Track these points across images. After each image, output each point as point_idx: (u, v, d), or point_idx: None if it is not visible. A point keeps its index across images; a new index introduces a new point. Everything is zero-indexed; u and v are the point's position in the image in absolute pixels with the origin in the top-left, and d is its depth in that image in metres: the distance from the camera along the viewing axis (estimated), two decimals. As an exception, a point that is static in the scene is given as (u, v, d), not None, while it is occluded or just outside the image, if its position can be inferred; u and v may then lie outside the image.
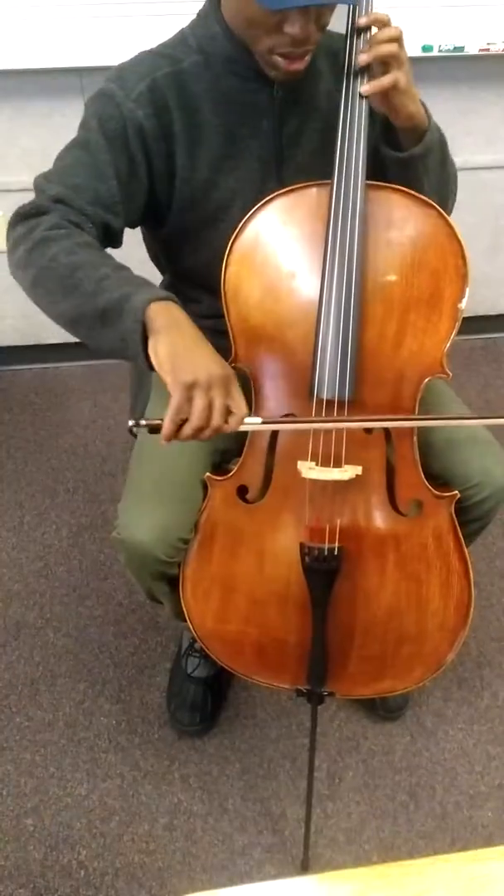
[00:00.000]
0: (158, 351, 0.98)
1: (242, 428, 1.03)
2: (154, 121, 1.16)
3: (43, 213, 1.11)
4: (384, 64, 1.08)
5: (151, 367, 1.01)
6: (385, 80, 1.08)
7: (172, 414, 0.98)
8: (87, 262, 1.06)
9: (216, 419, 0.99)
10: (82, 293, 1.04)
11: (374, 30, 1.10)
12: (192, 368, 0.97)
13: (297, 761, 1.55)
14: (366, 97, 1.11)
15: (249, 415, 1.04)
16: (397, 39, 1.07)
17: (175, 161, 1.20)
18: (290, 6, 1.02)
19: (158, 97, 1.15)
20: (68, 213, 1.11)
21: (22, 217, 1.13)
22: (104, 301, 1.02)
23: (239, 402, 1.02)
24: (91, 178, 1.14)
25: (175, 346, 0.99)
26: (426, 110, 1.17)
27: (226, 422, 1.00)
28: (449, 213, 1.29)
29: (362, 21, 1.10)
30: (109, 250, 1.17)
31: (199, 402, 0.97)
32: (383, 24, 1.09)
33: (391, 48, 1.07)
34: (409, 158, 1.17)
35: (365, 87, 1.09)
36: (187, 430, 0.99)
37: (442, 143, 1.22)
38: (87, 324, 1.05)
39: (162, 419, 0.99)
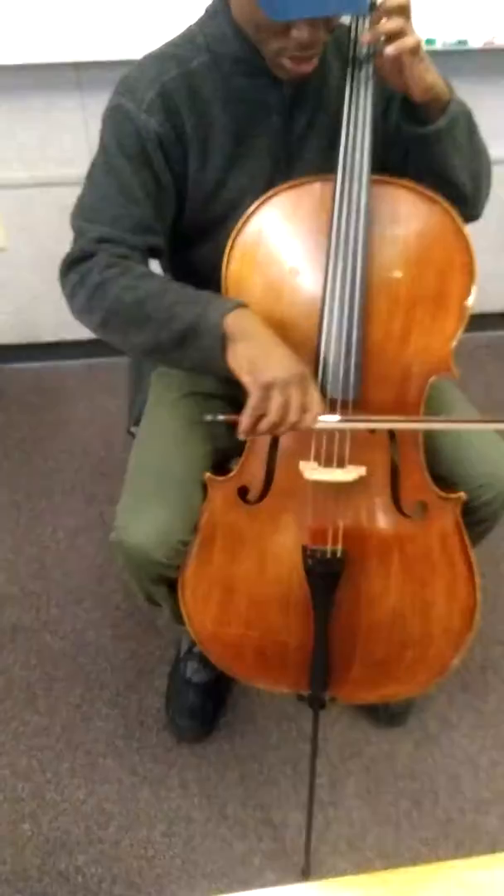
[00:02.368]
0: (238, 357, 1.05)
1: (318, 426, 1.07)
2: (168, 126, 1.15)
3: (91, 256, 1.15)
4: (391, 38, 1.04)
5: (233, 375, 1.07)
6: (407, 42, 1.04)
7: (251, 411, 1.04)
8: (151, 293, 1.11)
9: (292, 415, 1.04)
10: (156, 323, 1.10)
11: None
12: (269, 369, 1.03)
13: (298, 767, 1.54)
14: (384, 62, 1.07)
15: (325, 412, 1.08)
16: (402, 10, 1.03)
17: (188, 161, 1.19)
18: (293, 18, 1.01)
19: (169, 102, 1.15)
20: (115, 250, 1.15)
21: (71, 263, 1.16)
22: (180, 325, 1.08)
23: (315, 399, 1.06)
24: (125, 205, 1.16)
25: (252, 350, 1.05)
26: (447, 83, 1.13)
27: (300, 418, 1.05)
28: (486, 196, 1.25)
29: None
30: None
31: (276, 400, 1.03)
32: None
33: (395, 24, 1.03)
34: (434, 133, 1.13)
35: (390, 48, 1.04)
36: (263, 425, 1.05)
37: (467, 115, 1.18)
38: (167, 349, 1.12)
39: (237, 415, 1.06)
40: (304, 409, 1.05)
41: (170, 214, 1.22)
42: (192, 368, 1.15)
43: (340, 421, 1.11)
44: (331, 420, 1.09)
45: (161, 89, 1.14)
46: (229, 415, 1.08)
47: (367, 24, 1.09)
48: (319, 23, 1.04)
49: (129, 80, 1.17)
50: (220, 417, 1.10)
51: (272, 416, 1.03)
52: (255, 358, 1.04)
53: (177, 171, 1.19)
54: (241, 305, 1.08)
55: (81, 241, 1.17)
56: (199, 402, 1.34)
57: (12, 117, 2.22)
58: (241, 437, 1.07)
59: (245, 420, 1.04)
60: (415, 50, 1.05)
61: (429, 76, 1.09)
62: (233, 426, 1.07)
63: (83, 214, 1.19)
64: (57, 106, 2.21)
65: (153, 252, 1.22)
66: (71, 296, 1.17)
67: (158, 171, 1.17)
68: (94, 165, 1.19)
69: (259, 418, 1.04)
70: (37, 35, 2.02)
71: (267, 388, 1.02)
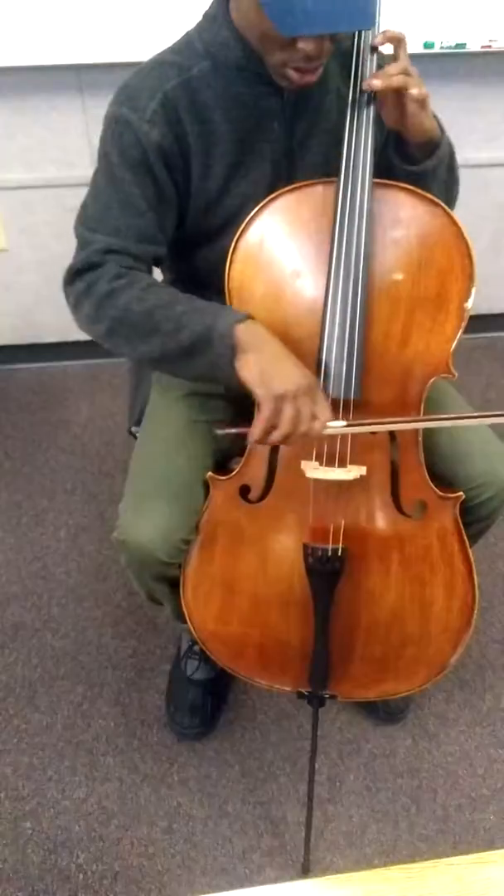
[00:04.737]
0: (248, 367, 1.07)
1: (327, 432, 1.09)
2: (171, 137, 1.15)
3: (96, 267, 1.15)
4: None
5: (241, 384, 1.08)
6: (425, 91, 1.09)
7: (264, 424, 1.06)
8: (160, 303, 1.12)
9: (303, 426, 1.06)
10: (164, 333, 1.11)
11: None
12: (280, 381, 1.05)
13: (298, 764, 1.54)
14: (387, 102, 1.11)
15: (333, 419, 1.10)
16: (406, 71, 1.08)
17: (191, 170, 1.19)
18: (306, 34, 1.02)
19: (171, 111, 1.14)
20: (122, 261, 1.15)
21: (77, 273, 1.16)
22: (189, 335, 1.09)
23: (324, 408, 1.08)
24: (128, 216, 1.16)
25: (262, 361, 1.07)
26: (438, 122, 1.17)
27: (310, 427, 1.07)
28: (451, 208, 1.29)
29: (378, 41, 1.10)
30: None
31: (288, 412, 1.05)
32: (398, 41, 1.09)
33: (401, 80, 1.07)
34: (421, 172, 1.17)
35: (415, 90, 1.08)
36: (276, 436, 1.07)
37: (451, 154, 1.22)
38: (174, 359, 1.13)
39: (246, 428, 1.08)
40: (313, 418, 1.06)
41: (171, 224, 1.22)
42: (196, 377, 1.17)
43: (347, 426, 1.11)
44: (337, 426, 1.10)
45: (163, 99, 1.13)
46: (239, 426, 1.10)
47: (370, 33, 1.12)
48: (326, 35, 1.05)
49: (129, 88, 1.15)
50: (231, 431, 1.11)
51: (284, 427, 1.05)
52: (266, 370, 1.06)
53: (179, 182, 1.19)
54: (249, 317, 1.10)
55: (87, 252, 1.16)
56: (199, 402, 1.34)
57: (13, 119, 2.23)
58: (250, 444, 1.09)
59: (256, 432, 1.06)
60: (422, 102, 1.10)
61: (427, 122, 1.13)
62: (242, 437, 1.09)
63: (87, 224, 1.18)
64: (58, 108, 2.21)
65: (156, 261, 1.23)
66: (76, 304, 1.17)
67: (161, 182, 1.16)
68: (96, 174, 1.18)
69: (270, 429, 1.06)
70: (38, 37, 2.03)
71: (279, 401, 1.04)
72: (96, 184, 1.19)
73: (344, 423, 1.11)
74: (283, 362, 1.07)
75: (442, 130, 1.18)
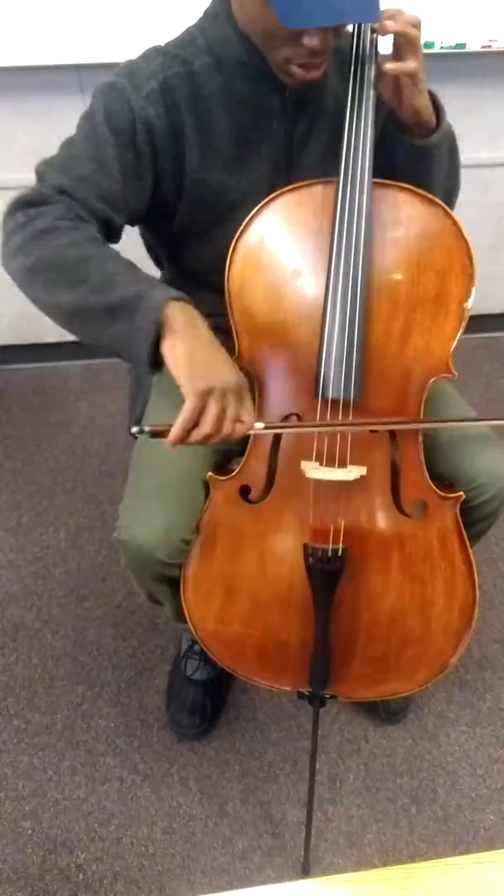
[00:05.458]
0: (175, 352, 0.97)
1: (249, 432, 1.05)
2: (164, 120, 1.14)
3: (46, 203, 1.08)
4: (401, 48, 1.07)
5: (154, 367, 1.00)
6: (410, 65, 1.07)
7: (185, 420, 0.97)
8: (97, 255, 1.04)
9: (227, 427, 0.99)
10: (90, 286, 1.01)
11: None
12: (209, 375, 0.97)
13: (298, 764, 1.54)
14: (383, 76, 1.10)
15: (255, 421, 1.05)
16: (418, 26, 1.07)
17: (184, 161, 1.18)
18: (311, 26, 1.02)
19: (169, 96, 1.14)
20: (73, 207, 1.09)
21: (23, 205, 1.09)
22: (116, 296, 1.00)
23: (249, 411, 1.02)
24: (96, 172, 1.12)
25: (193, 349, 0.98)
26: (438, 101, 1.16)
27: (233, 429, 1.01)
28: (452, 205, 1.28)
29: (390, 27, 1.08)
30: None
31: (212, 410, 0.97)
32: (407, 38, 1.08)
33: (416, 32, 1.06)
34: (426, 147, 1.16)
35: (391, 65, 1.07)
36: (195, 436, 0.99)
37: (452, 134, 1.21)
38: (91, 317, 1.03)
39: (169, 424, 0.98)
40: (237, 420, 1.01)
41: (139, 203, 1.19)
42: (105, 346, 1.06)
43: (266, 427, 1.08)
44: (258, 427, 1.05)
45: (164, 82, 1.13)
46: (158, 426, 1.01)
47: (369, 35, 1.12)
48: (330, 30, 1.05)
49: (131, 66, 1.16)
50: (147, 429, 1.02)
51: (205, 426, 0.97)
52: (195, 359, 0.97)
53: (165, 167, 1.18)
54: (187, 300, 1.02)
55: (41, 186, 1.10)
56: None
57: (13, 119, 2.23)
58: (169, 446, 1.00)
59: (176, 430, 0.98)
60: (415, 75, 1.08)
61: (419, 100, 1.12)
62: (162, 436, 1.00)
63: (51, 163, 1.13)
64: (58, 108, 2.21)
65: (109, 231, 1.16)
66: (10, 234, 1.08)
67: (141, 157, 1.15)
68: (77, 129, 1.15)
69: (191, 427, 0.98)
70: (39, 37, 2.03)
71: (205, 396, 0.96)
72: (73, 137, 1.15)
73: (262, 424, 1.07)
74: (215, 354, 1.00)
75: (439, 111, 1.17)
